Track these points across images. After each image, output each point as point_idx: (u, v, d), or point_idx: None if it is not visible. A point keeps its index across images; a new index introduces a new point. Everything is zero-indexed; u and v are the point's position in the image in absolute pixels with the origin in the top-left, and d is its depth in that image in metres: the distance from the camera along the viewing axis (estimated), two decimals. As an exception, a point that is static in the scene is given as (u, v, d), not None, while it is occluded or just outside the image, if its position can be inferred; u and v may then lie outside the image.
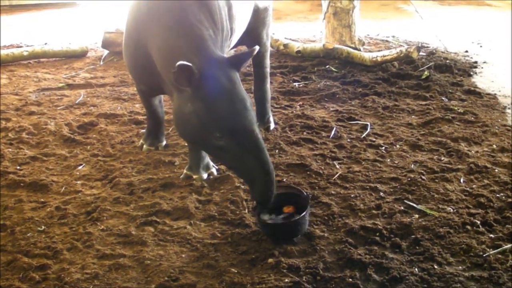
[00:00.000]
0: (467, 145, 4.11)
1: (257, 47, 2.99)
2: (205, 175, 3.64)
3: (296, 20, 9.24)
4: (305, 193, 3.12)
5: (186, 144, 3.98)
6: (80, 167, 3.86)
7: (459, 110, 4.79)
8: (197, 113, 2.79)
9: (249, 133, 2.78)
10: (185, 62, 2.63)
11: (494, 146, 4.08)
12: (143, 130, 4.24)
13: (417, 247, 2.89)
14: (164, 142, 4.11)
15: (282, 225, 2.99)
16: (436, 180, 3.58)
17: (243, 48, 4.71)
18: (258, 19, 4.09)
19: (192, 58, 2.77)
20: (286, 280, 2.64)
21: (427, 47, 7.07)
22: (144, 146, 4.06)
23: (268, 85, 4.53)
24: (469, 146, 4.10)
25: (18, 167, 3.84)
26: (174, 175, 3.71)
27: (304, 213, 2.95)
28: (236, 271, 2.73)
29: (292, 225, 2.96)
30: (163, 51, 3.01)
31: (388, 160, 3.90)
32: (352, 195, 3.41)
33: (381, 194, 3.43)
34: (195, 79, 2.71)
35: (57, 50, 6.65)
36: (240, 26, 3.78)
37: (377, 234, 3.01)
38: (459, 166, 3.77)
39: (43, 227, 3.13)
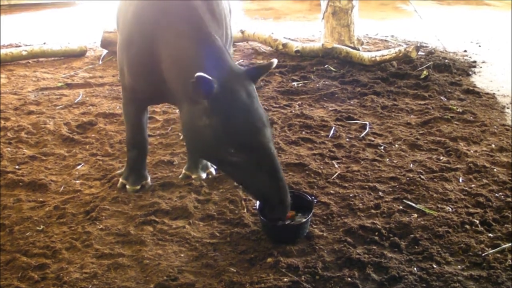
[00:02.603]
0: (466, 145, 4.11)
1: (275, 60, 2.89)
2: (204, 175, 3.64)
3: (295, 20, 9.24)
4: (309, 198, 3.12)
5: (184, 144, 3.98)
6: (79, 167, 3.85)
7: (458, 110, 4.80)
8: (212, 127, 2.65)
9: (266, 151, 2.69)
10: (204, 75, 2.52)
11: (493, 145, 4.09)
12: (119, 171, 3.70)
13: (416, 247, 2.90)
14: (149, 179, 3.60)
15: (286, 227, 2.99)
16: (435, 180, 3.59)
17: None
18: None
19: (211, 70, 2.65)
20: (285, 279, 2.64)
21: (426, 46, 7.08)
22: (127, 186, 3.51)
23: None
24: (468, 146, 4.10)
25: (17, 167, 3.83)
26: (173, 174, 3.71)
27: (309, 217, 2.96)
28: (235, 271, 2.73)
29: (295, 228, 2.97)
30: (176, 59, 2.87)
31: (387, 159, 3.90)
32: (351, 195, 3.42)
33: (380, 193, 3.44)
34: (214, 92, 2.60)
35: (56, 50, 6.64)
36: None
37: (376, 233, 3.01)
38: (458, 166, 3.77)
39: (42, 226, 3.13)
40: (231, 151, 2.67)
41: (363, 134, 4.33)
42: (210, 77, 2.53)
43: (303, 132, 4.38)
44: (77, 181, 3.64)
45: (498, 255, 2.82)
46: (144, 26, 3.01)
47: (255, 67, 2.88)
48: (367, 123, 4.53)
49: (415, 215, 3.18)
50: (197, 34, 2.83)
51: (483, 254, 2.82)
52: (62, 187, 3.57)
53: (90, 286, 2.63)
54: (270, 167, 2.70)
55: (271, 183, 2.71)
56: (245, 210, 3.26)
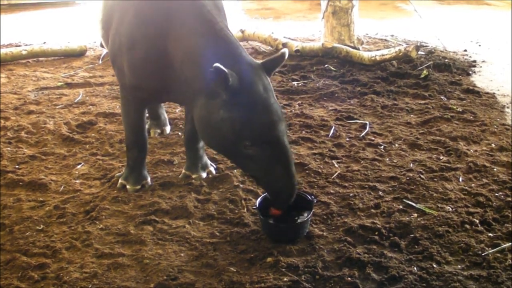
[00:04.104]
0: (466, 144, 4.11)
1: (286, 50, 2.91)
2: (204, 174, 3.64)
3: (295, 19, 9.24)
4: (309, 198, 3.12)
5: (184, 143, 3.98)
6: (79, 166, 3.85)
7: (458, 109, 4.80)
8: (231, 121, 2.70)
9: (280, 144, 2.75)
10: (221, 66, 2.56)
11: (493, 145, 4.09)
12: (118, 174, 3.65)
13: (416, 246, 2.90)
14: (149, 178, 3.59)
15: (287, 227, 2.99)
16: (435, 179, 3.59)
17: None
18: None
19: (231, 64, 2.69)
20: (285, 279, 2.64)
21: (426, 46, 7.07)
22: (128, 186, 3.50)
23: None
24: (468, 145, 4.10)
25: (17, 166, 3.83)
26: (173, 174, 3.71)
27: (309, 216, 2.97)
28: (235, 270, 2.73)
29: (295, 227, 2.97)
30: (192, 56, 2.87)
31: (387, 159, 3.90)
32: (351, 194, 3.41)
33: (380, 193, 3.44)
34: (233, 85, 2.64)
35: (56, 49, 6.64)
36: None
37: (376, 233, 3.01)
38: (458, 165, 3.77)
39: (42, 226, 3.13)
40: (247, 144, 2.74)
41: (363, 134, 4.33)
42: (225, 70, 2.57)
43: (303, 132, 4.38)
44: (77, 181, 3.64)
45: (498, 254, 2.82)
46: (150, 25, 3.01)
47: (270, 60, 2.90)
48: (367, 122, 4.53)
49: (415, 215, 3.18)
50: (211, 30, 2.87)
51: (483, 254, 2.82)
52: (62, 187, 3.56)
53: (90, 286, 2.63)
54: (283, 161, 2.78)
55: (283, 177, 2.78)
56: (245, 210, 3.26)
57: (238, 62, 2.77)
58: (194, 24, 2.90)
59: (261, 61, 2.88)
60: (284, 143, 2.77)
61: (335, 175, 3.66)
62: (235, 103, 2.69)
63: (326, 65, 6.04)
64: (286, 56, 2.92)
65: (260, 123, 2.71)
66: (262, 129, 2.72)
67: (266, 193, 3.06)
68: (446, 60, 6.23)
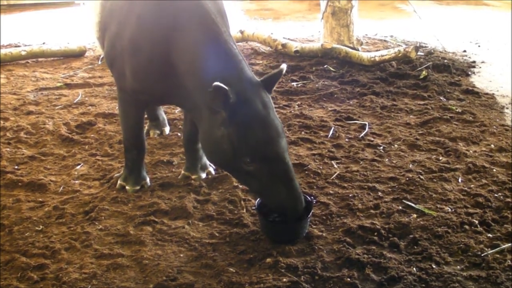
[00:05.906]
0: (465, 145, 4.11)
1: (284, 65, 2.93)
2: (203, 175, 3.64)
3: (295, 20, 9.24)
4: (309, 198, 3.12)
5: (183, 144, 3.97)
6: (78, 167, 3.85)
7: (457, 110, 4.80)
8: (229, 137, 2.72)
9: (280, 161, 2.76)
10: (221, 85, 2.58)
11: (492, 145, 4.09)
12: (117, 174, 3.67)
13: (415, 247, 2.90)
14: (148, 179, 3.60)
15: (287, 226, 2.98)
16: (434, 180, 3.59)
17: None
18: None
19: (230, 80, 2.70)
20: (284, 279, 2.64)
21: (425, 47, 7.08)
22: (127, 187, 3.49)
23: None
24: (467, 146, 4.10)
25: (16, 167, 3.83)
26: (173, 174, 3.71)
27: (308, 217, 2.96)
28: (234, 271, 2.73)
29: (295, 227, 2.96)
30: (194, 68, 2.88)
31: (386, 159, 3.90)
32: (350, 195, 3.42)
33: (379, 193, 3.44)
34: (232, 102, 2.65)
35: (55, 50, 6.64)
36: None
37: (375, 233, 3.01)
38: (457, 166, 3.77)
39: (41, 226, 3.12)
40: (247, 160, 2.74)
41: (362, 134, 4.33)
42: (226, 88, 2.59)
43: (303, 132, 4.38)
44: (76, 181, 3.64)
45: (498, 255, 2.82)
46: (154, 30, 2.97)
47: (269, 76, 2.90)
48: (367, 123, 4.53)
49: (415, 215, 3.18)
50: (215, 42, 2.86)
51: (482, 255, 2.82)
52: (61, 187, 3.56)
53: (89, 287, 2.63)
54: (284, 177, 2.77)
55: (286, 193, 2.77)
56: (244, 210, 3.26)
57: (239, 78, 2.77)
58: (198, 35, 2.88)
59: (261, 78, 2.88)
60: (284, 160, 2.77)
61: (334, 175, 3.66)
62: (234, 120, 2.70)
63: (325, 66, 6.04)
64: (284, 72, 2.93)
65: (258, 139, 2.72)
66: (260, 145, 2.72)
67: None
68: (446, 61, 6.23)
